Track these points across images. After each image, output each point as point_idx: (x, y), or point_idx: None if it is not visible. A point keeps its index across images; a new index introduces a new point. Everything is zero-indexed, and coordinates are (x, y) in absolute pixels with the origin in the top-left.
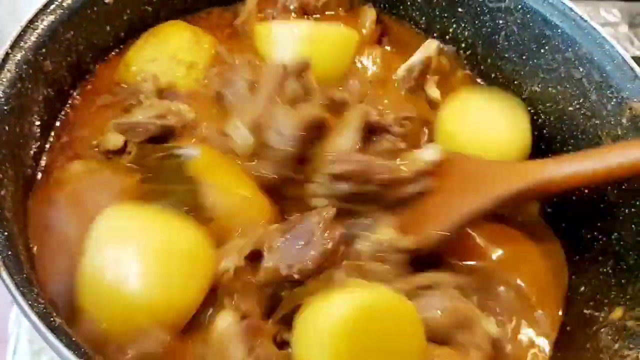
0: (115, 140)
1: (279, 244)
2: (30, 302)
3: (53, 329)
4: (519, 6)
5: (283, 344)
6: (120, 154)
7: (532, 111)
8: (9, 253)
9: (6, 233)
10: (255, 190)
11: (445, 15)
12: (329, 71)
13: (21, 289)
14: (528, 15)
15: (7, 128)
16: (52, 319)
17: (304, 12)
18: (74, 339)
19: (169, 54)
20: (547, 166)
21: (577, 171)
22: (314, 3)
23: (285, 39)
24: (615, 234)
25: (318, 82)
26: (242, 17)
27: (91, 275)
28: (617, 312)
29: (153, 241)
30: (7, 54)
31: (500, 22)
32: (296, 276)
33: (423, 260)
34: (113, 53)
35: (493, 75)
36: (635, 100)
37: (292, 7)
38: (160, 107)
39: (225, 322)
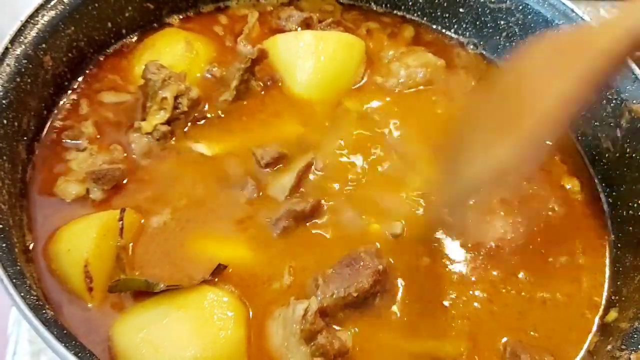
0: (78, 190)
1: (331, 272)
2: (22, 294)
3: (45, 322)
4: (520, 7)
5: None
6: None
7: None
8: (3, 245)
9: (1, 225)
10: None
11: (447, 15)
12: (337, 78)
13: (14, 280)
14: (529, 17)
15: (5, 122)
16: (44, 311)
17: (308, 28)
18: (65, 331)
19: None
20: None
21: None
22: (317, 19)
23: (292, 49)
24: (613, 235)
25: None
26: (244, 34)
27: None
28: (612, 315)
29: (174, 316)
30: (6, 49)
31: (502, 22)
32: (355, 295)
33: None
34: (111, 50)
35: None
36: (634, 102)
37: (295, 24)
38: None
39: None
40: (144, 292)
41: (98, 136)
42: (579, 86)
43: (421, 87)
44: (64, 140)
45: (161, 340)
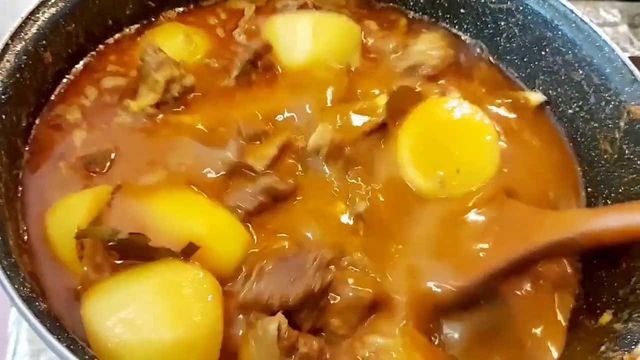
0: (73, 178)
1: (270, 268)
2: (16, 287)
3: (37, 314)
4: (521, 8)
5: None
6: None
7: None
8: None
9: None
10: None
11: (447, 16)
12: (334, 60)
13: (8, 272)
14: (529, 17)
15: (4, 117)
16: (37, 303)
17: None
18: (57, 323)
19: None
20: (596, 217)
21: (630, 224)
22: (312, 4)
23: (290, 29)
24: None
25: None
26: (241, 27)
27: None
28: (606, 317)
29: (149, 293)
30: (6, 45)
31: (502, 23)
32: (275, 307)
33: None
34: (111, 40)
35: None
36: (633, 103)
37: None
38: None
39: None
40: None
41: (87, 122)
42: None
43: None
44: (57, 124)
45: (137, 320)
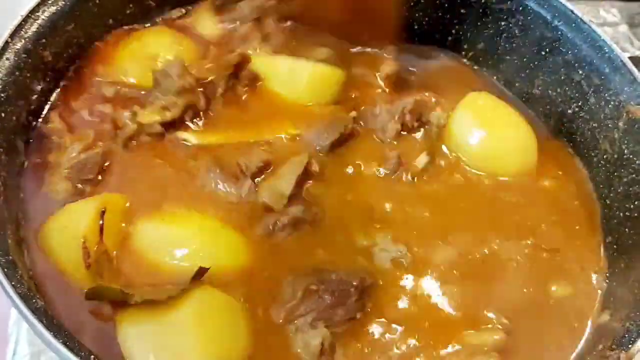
0: (66, 187)
1: (313, 289)
2: (13, 284)
3: (35, 311)
4: (521, 8)
5: None
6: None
7: (532, 114)
8: None
9: None
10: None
11: (448, 16)
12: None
13: (5, 270)
14: (529, 18)
15: (2, 115)
16: (34, 301)
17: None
18: (54, 321)
19: (149, 54)
20: None
21: None
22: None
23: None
24: (609, 237)
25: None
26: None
27: None
28: (604, 316)
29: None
30: (6, 43)
31: (502, 24)
32: (317, 327)
33: None
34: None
35: (495, 77)
36: (632, 103)
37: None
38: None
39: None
40: None
41: (77, 129)
42: None
43: None
44: (51, 137)
45: (173, 345)
